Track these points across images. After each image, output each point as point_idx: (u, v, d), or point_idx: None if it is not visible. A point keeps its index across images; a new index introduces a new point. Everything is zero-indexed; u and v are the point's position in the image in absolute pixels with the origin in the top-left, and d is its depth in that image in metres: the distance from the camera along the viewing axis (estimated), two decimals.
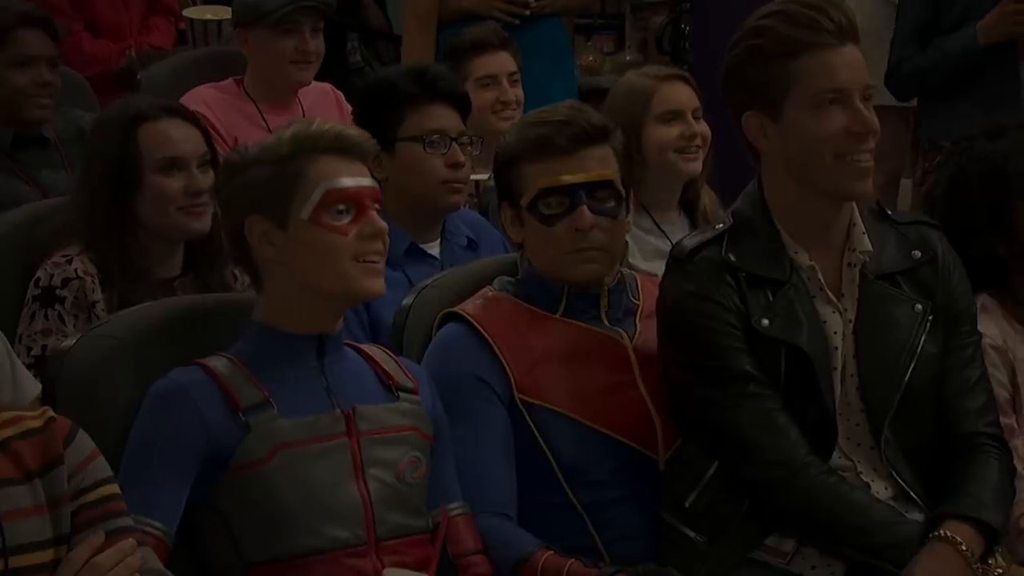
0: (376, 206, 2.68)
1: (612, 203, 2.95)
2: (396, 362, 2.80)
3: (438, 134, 3.62)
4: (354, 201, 2.65)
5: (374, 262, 2.66)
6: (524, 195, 2.95)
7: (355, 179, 2.66)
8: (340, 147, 2.66)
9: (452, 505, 2.78)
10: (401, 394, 2.75)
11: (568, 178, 2.92)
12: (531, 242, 2.99)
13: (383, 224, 2.67)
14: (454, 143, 3.64)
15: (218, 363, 2.65)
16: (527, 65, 4.79)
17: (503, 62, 4.68)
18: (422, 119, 3.62)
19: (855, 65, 2.82)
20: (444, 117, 3.64)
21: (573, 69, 5.68)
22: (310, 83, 4.80)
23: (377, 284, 2.67)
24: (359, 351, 2.79)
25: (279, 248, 2.65)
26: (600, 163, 2.94)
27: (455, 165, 3.63)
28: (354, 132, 2.71)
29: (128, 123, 3.40)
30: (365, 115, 3.64)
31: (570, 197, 2.92)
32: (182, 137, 3.42)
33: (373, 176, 2.75)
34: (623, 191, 2.97)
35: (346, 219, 2.64)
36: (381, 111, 3.61)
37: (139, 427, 2.61)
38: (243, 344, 2.69)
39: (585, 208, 2.92)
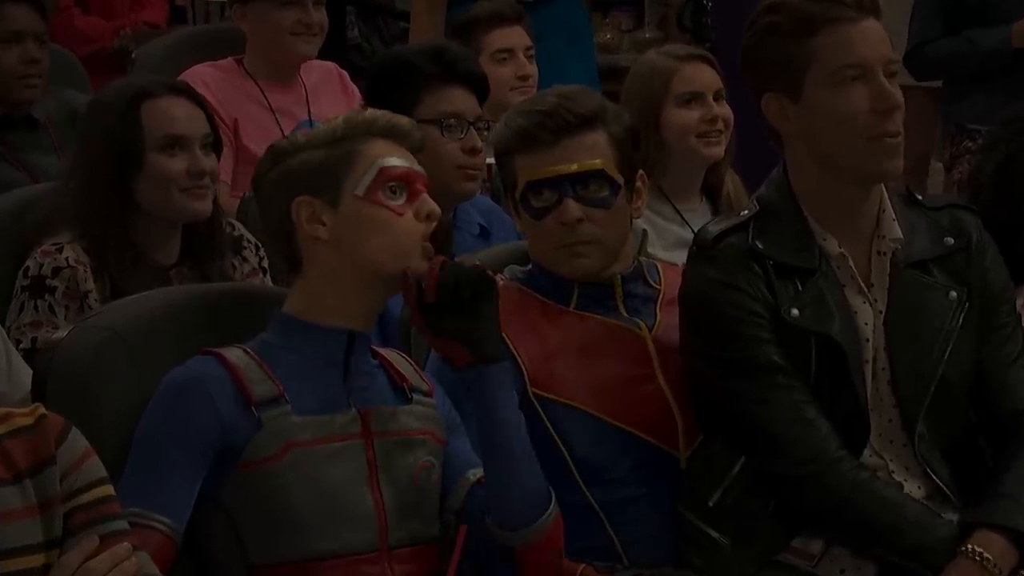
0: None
1: (605, 192, 2.88)
2: (412, 366, 2.75)
3: (455, 118, 3.56)
4: (406, 182, 2.64)
5: (427, 244, 2.64)
6: (516, 188, 2.92)
7: (408, 161, 2.66)
8: (393, 133, 2.66)
9: (472, 471, 2.69)
10: (415, 396, 2.69)
11: (552, 170, 2.87)
12: (527, 235, 2.95)
13: (437, 207, 2.65)
14: (471, 127, 3.58)
15: (233, 354, 2.60)
16: (543, 46, 4.73)
17: (519, 35, 4.63)
18: (439, 101, 3.55)
19: (876, 39, 2.78)
20: (462, 100, 3.58)
21: (592, 49, 5.62)
22: (314, 57, 4.73)
23: (424, 266, 2.63)
24: (375, 354, 2.73)
25: (329, 227, 2.62)
26: (587, 152, 2.87)
27: (472, 151, 3.56)
28: (406, 121, 2.70)
29: (130, 100, 3.34)
30: (378, 94, 3.57)
31: (557, 190, 2.87)
32: (185, 116, 3.36)
33: None
34: (620, 178, 2.89)
35: (400, 200, 2.63)
36: (396, 91, 3.54)
37: (151, 417, 2.55)
38: (266, 335, 2.65)
39: (571, 201, 2.86)
